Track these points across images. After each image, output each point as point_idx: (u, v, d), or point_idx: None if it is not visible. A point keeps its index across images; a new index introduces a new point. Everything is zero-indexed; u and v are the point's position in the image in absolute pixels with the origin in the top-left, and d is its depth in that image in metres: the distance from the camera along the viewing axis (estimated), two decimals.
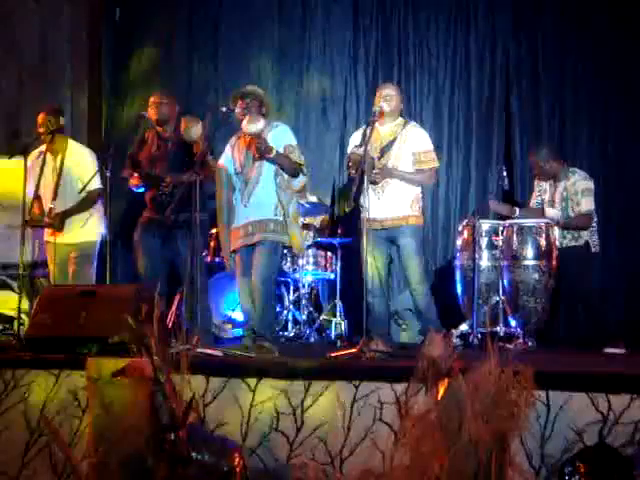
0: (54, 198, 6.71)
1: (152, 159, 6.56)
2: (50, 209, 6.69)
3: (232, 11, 9.04)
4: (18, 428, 4.97)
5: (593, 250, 7.05)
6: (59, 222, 6.70)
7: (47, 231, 6.81)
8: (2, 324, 7.66)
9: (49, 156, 6.79)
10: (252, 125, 5.95)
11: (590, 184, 7.05)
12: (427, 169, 6.27)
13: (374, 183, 6.07)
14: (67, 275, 6.80)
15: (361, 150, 6.05)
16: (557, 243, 7.05)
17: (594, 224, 7.07)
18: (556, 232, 7.05)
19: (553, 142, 8.21)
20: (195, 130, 6.13)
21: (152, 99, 6.61)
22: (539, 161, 7.21)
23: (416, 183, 6.23)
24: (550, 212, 7.15)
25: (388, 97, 6.28)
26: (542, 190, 7.34)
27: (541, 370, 3.99)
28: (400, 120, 6.34)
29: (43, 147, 6.83)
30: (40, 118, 6.77)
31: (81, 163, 6.81)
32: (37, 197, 6.70)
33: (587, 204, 7.00)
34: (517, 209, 7.30)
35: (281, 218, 6.01)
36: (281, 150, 6.01)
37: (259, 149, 5.95)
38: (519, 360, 3.83)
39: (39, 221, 6.71)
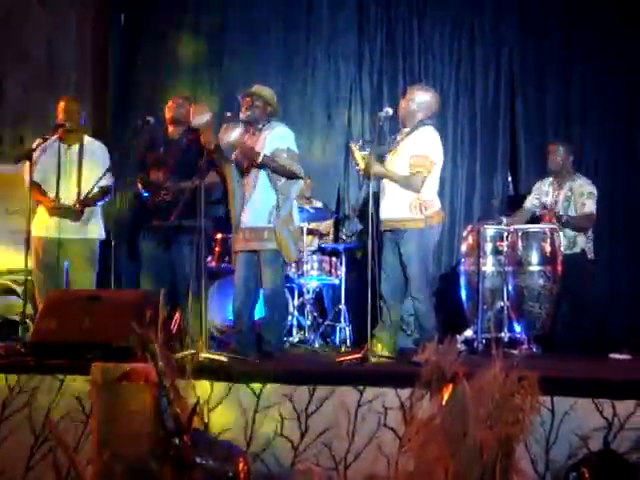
0: (79, 189, 6.65)
1: (159, 162, 6.57)
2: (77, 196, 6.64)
3: (237, 16, 9.04)
4: (23, 433, 4.96)
5: (589, 257, 7.14)
6: (82, 209, 6.66)
7: (38, 225, 6.63)
8: (7, 329, 7.66)
9: (63, 147, 6.74)
10: (229, 134, 6.04)
11: (594, 189, 7.25)
12: (415, 173, 6.03)
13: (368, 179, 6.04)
14: (57, 276, 6.69)
15: (354, 145, 6.24)
16: None
17: (590, 232, 7.15)
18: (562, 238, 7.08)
19: None
20: (204, 117, 6.11)
21: (172, 101, 6.68)
22: (562, 154, 7.26)
23: (403, 186, 6.05)
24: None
25: (405, 101, 6.29)
26: (542, 192, 7.38)
27: (546, 376, 3.99)
28: (415, 124, 6.20)
29: (52, 136, 6.72)
30: (67, 106, 6.78)
31: (96, 157, 6.79)
32: (37, 185, 6.62)
33: (591, 206, 7.17)
34: (503, 218, 7.31)
35: (275, 226, 6.01)
36: (269, 153, 6.04)
37: (245, 156, 6.05)
38: (524, 366, 3.83)
39: (63, 206, 6.63)
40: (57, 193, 6.65)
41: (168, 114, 6.65)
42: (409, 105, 6.24)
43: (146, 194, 6.63)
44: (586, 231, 7.18)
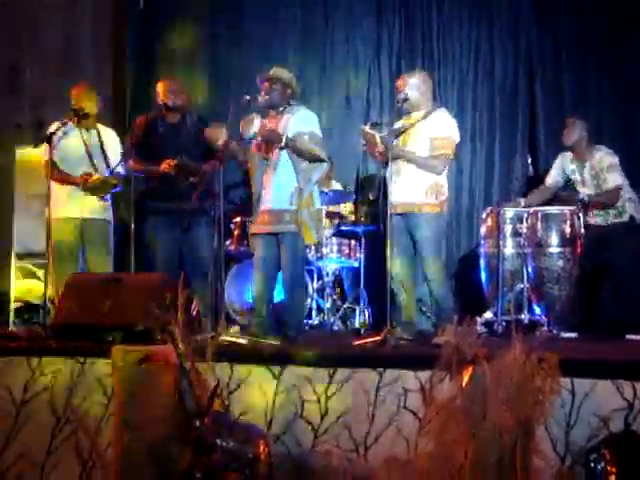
0: (93, 168, 6.70)
1: (164, 147, 6.56)
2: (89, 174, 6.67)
3: (255, 0, 9.05)
4: (44, 415, 4.99)
5: (639, 222, 7.00)
6: (118, 180, 6.72)
7: (55, 207, 6.50)
8: (28, 312, 7.70)
9: (82, 131, 6.77)
10: (250, 128, 6.03)
11: (615, 159, 7.04)
12: (438, 155, 6.02)
13: (386, 164, 6.03)
14: (73, 259, 6.73)
15: (367, 127, 6.14)
16: (600, 220, 7.05)
17: (634, 196, 7.05)
18: (595, 211, 7.04)
19: None
20: (220, 138, 6.07)
21: (165, 86, 6.68)
22: (578, 129, 7.15)
23: (425, 168, 6.01)
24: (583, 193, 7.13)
25: (412, 85, 6.22)
26: (570, 171, 7.25)
27: (566, 357, 3.98)
28: (427, 106, 6.19)
29: (69, 121, 6.70)
30: (79, 92, 6.81)
31: (111, 143, 6.85)
32: (58, 168, 6.63)
33: (613, 179, 7.00)
34: (521, 200, 7.28)
35: (296, 208, 6.00)
36: (291, 135, 6.02)
37: (268, 139, 6.04)
38: (544, 347, 3.83)
39: (97, 179, 6.64)
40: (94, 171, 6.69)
41: (164, 100, 6.62)
42: (418, 90, 6.18)
43: (142, 174, 6.67)
44: (615, 204, 7.04)
